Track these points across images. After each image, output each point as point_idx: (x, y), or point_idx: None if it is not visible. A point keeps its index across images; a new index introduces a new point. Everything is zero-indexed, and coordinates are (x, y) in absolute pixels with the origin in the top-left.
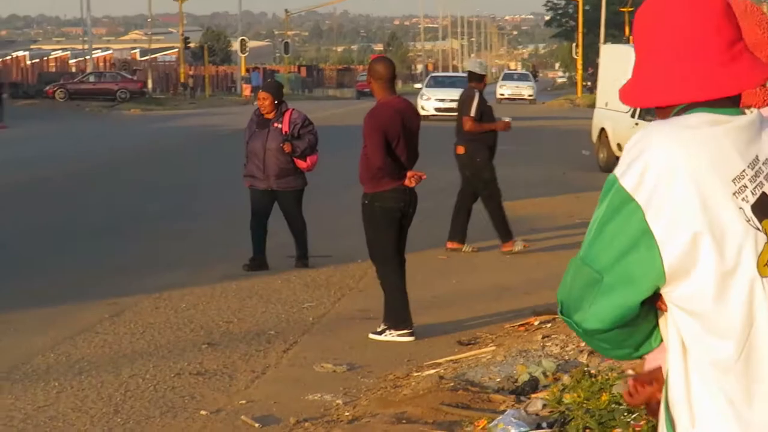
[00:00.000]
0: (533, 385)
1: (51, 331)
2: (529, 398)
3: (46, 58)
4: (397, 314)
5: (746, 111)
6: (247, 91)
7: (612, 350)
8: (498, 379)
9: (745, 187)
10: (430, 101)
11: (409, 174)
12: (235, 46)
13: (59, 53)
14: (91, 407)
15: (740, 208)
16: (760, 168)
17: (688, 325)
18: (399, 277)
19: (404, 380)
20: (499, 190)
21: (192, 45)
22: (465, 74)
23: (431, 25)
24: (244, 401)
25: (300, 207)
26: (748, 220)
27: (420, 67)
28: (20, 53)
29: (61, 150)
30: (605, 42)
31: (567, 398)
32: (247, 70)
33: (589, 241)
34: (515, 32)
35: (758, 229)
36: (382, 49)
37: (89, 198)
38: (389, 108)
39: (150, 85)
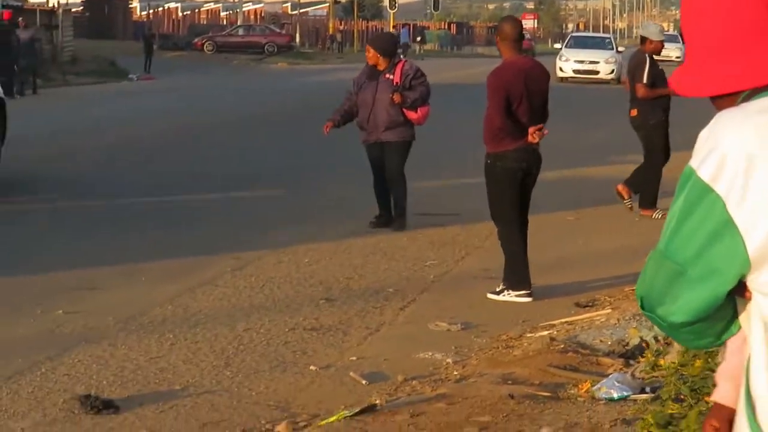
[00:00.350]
0: (643, 349)
1: (173, 283)
2: (638, 362)
3: (197, 10)
4: (516, 275)
5: None
6: None
7: (695, 340)
8: (609, 342)
9: None
10: (569, 63)
11: (531, 130)
12: (386, 1)
13: (211, 5)
14: (203, 360)
15: None
16: None
17: None
18: (519, 237)
19: (517, 341)
20: (663, 157)
21: (342, 0)
22: (607, 35)
23: None
24: (354, 357)
25: (403, 161)
26: None
27: (571, 26)
28: (172, 4)
29: (204, 102)
30: None
31: (662, 363)
32: (395, 27)
33: (670, 235)
34: None
35: None
36: (533, 7)
37: (229, 150)
38: (513, 68)
39: (298, 39)
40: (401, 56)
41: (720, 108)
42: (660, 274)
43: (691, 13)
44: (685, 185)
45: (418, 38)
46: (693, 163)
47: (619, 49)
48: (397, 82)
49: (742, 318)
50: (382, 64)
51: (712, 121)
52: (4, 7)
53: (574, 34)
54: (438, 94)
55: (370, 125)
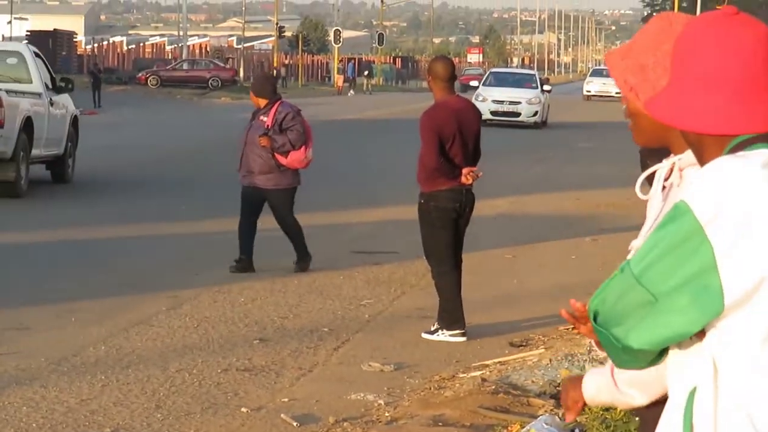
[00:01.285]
0: None
1: (107, 323)
2: None
3: (143, 44)
4: (450, 315)
5: None
6: (340, 81)
7: (631, 363)
8: (541, 383)
9: None
10: (486, 103)
11: (464, 171)
12: (331, 35)
13: (156, 39)
14: (134, 401)
15: None
16: None
17: (730, 356)
18: (453, 277)
19: (449, 381)
20: None
21: (287, 34)
22: (531, 71)
23: (529, 19)
24: (286, 399)
25: (289, 207)
26: None
27: (516, 60)
28: (117, 38)
29: (146, 138)
30: None
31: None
32: (341, 61)
33: (648, 262)
34: (613, 27)
35: None
36: (479, 41)
37: (166, 186)
38: (446, 108)
39: (242, 73)
40: (279, 96)
41: (697, 145)
42: (628, 296)
43: (692, 48)
44: (677, 219)
45: (365, 72)
46: (689, 198)
47: (545, 87)
48: (268, 125)
49: (686, 354)
50: (261, 105)
51: (715, 165)
52: None
53: (494, 70)
54: (380, 128)
55: (243, 168)
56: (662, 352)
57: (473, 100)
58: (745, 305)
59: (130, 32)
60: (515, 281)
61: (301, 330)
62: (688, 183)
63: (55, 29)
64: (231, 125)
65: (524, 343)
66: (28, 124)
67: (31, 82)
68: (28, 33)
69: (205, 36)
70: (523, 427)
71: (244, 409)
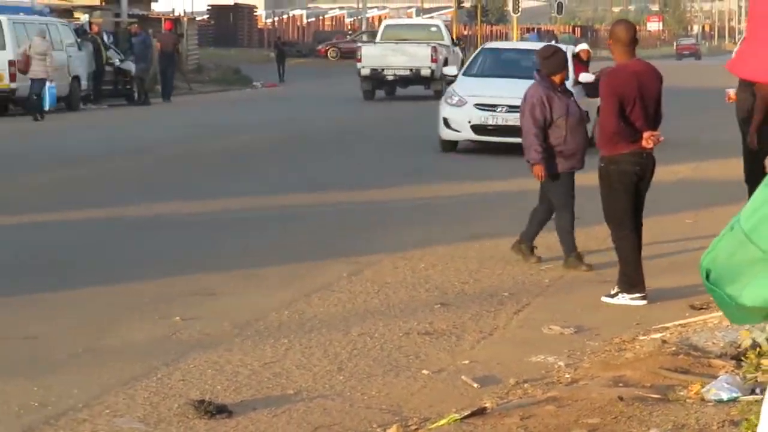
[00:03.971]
0: (757, 351)
1: (290, 288)
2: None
3: (322, 17)
4: (630, 278)
5: None
6: None
7: (748, 318)
8: (721, 344)
9: None
10: (464, 110)
11: (645, 135)
12: (510, 5)
13: (336, 12)
14: (316, 364)
15: None
16: None
17: None
18: (633, 241)
19: (629, 344)
20: None
21: (466, 5)
22: (529, 46)
23: None
24: (467, 361)
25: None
26: None
27: (696, 28)
28: (297, 12)
29: (324, 109)
30: None
31: (765, 363)
32: (526, 30)
33: (759, 219)
34: None
35: None
36: (658, 9)
37: (348, 152)
38: (626, 71)
39: None
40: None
41: None
42: (740, 254)
43: None
44: None
45: (553, 41)
46: None
47: (583, 77)
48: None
49: None
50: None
51: None
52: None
53: (489, 45)
54: None
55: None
56: None
57: (443, 101)
58: None
59: (309, 5)
60: (697, 245)
61: (481, 294)
62: None
63: (235, 3)
64: (410, 95)
65: (705, 306)
66: None
67: None
68: (209, 7)
69: (384, 8)
70: (704, 387)
71: (425, 371)
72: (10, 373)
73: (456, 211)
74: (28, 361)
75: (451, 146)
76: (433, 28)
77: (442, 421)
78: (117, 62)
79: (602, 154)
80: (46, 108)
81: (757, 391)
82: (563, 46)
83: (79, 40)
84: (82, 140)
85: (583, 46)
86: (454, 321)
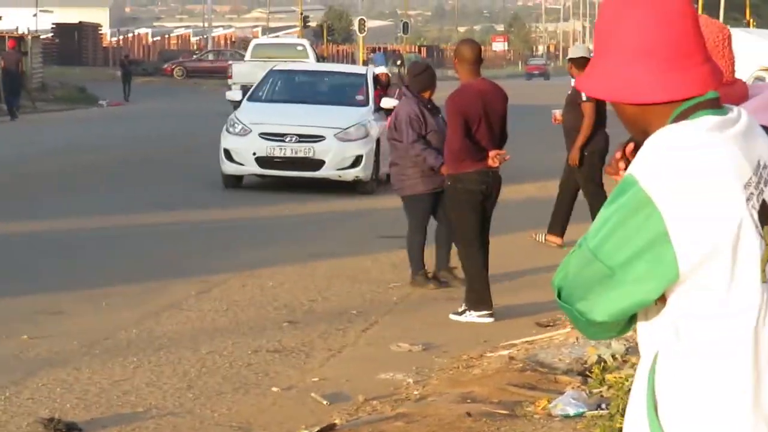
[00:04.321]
0: (603, 367)
1: (138, 307)
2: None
3: (168, 36)
4: (478, 296)
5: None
6: None
7: (601, 334)
8: (567, 361)
9: (752, 194)
10: (247, 140)
11: (491, 154)
12: (356, 25)
13: (182, 31)
14: (166, 382)
15: (751, 215)
16: (761, 174)
17: (688, 320)
18: (480, 259)
19: (477, 360)
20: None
21: (312, 24)
22: (359, 68)
23: (554, 6)
24: (317, 379)
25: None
26: (756, 227)
27: (541, 48)
28: (143, 30)
29: (172, 126)
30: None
31: (610, 378)
32: (372, 50)
33: (602, 237)
34: None
35: (761, 235)
36: (504, 29)
37: (195, 172)
38: (471, 91)
39: None
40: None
41: (640, 120)
42: (587, 272)
43: (613, 24)
44: (625, 192)
45: (398, 62)
46: (636, 170)
47: (387, 102)
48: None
49: (649, 323)
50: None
51: (661, 134)
52: None
53: (277, 67)
54: None
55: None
56: (631, 320)
57: (224, 131)
58: (698, 271)
59: (155, 24)
60: (542, 262)
61: (330, 312)
62: (638, 155)
63: (80, 21)
64: None
65: (551, 323)
66: None
67: None
68: (54, 26)
69: (230, 27)
70: (551, 403)
71: (275, 389)
72: None
73: (294, 232)
74: None
75: (234, 181)
76: (300, 47)
77: None
78: None
79: (449, 172)
80: None
81: (603, 405)
82: (367, 68)
83: None
84: None
85: (382, 69)
86: (303, 339)
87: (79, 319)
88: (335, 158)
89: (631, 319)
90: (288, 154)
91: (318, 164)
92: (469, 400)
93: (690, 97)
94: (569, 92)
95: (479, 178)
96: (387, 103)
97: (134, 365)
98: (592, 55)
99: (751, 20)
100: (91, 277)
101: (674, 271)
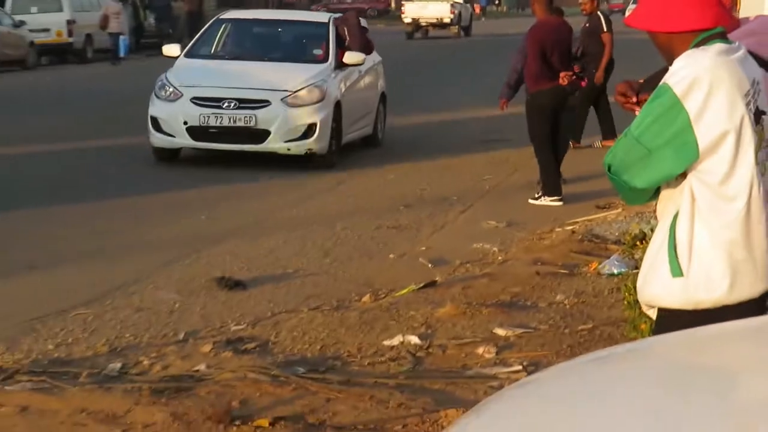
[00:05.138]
0: (642, 238)
1: (291, 194)
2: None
3: None
4: (550, 184)
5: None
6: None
7: (638, 199)
8: (617, 234)
9: (750, 101)
10: (178, 105)
11: (561, 74)
12: None
13: None
14: (309, 252)
15: (748, 115)
16: (756, 87)
17: (702, 190)
18: (551, 156)
19: (547, 234)
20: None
21: None
22: (321, 15)
23: None
24: (424, 248)
25: None
26: (752, 124)
27: None
28: None
29: None
30: None
31: (639, 245)
32: None
33: (644, 127)
34: None
35: (754, 131)
36: None
37: None
38: (546, 26)
39: (393, 4)
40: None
41: (667, 46)
42: (631, 152)
43: None
44: (663, 95)
45: (496, 1)
46: (669, 80)
47: (350, 57)
48: None
49: (672, 191)
50: None
51: (687, 55)
52: None
53: (226, 14)
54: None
55: None
56: (655, 192)
57: (152, 96)
58: (712, 153)
59: None
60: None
61: (435, 198)
62: (670, 71)
63: None
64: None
65: (607, 206)
66: None
67: None
68: None
69: None
70: (600, 264)
71: (391, 255)
72: (84, 258)
73: (407, 135)
74: (97, 251)
75: (168, 155)
76: None
77: (404, 291)
78: (151, 21)
79: (530, 90)
80: (121, 55)
81: (638, 266)
82: (330, 16)
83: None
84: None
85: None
86: (414, 218)
87: (249, 202)
88: (282, 127)
89: (657, 191)
90: (225, 123)
91: (262, 135)
92: (539, 263)
93: (705, 29)
94: (587, 24)
95: (552, 93)
96: (351, 58)
97: (283, 240)
98: None
99: None
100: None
101: (695, 152)
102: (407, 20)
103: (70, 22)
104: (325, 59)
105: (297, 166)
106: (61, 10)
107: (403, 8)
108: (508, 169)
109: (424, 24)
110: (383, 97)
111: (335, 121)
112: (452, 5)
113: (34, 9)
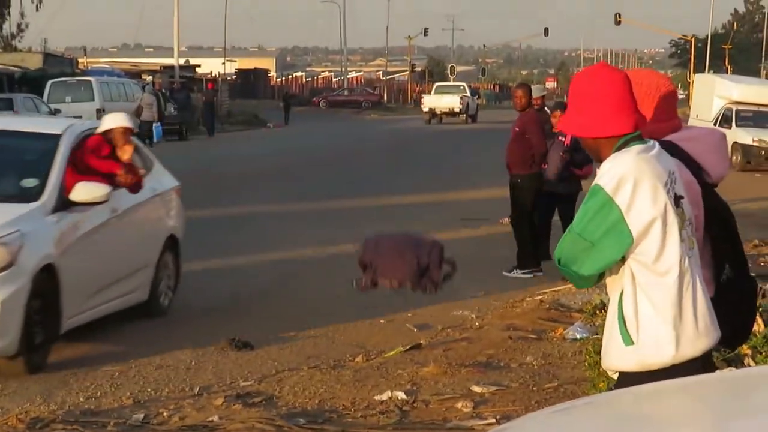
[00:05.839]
0: (602, 307)
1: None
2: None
3: (316, 77)
4: (524, 259)
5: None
6: None
7: (586, 283)
8: (579, 303)
9: (669, 188)
10: None
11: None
12: (449, 69)
13: (326, 74)
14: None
15: (669, 201)
16: (672, 177)
17: (639, 269)
18: (529, 232)
19: (519, 303)
20: None
21: (418, 69)
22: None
23: (589, 56)
24: (410, 314)
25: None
26: (673, 208)
27: None
28: (298, 73)
29: (319, 140)
30: (709, 71)
31: (599, 314)
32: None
33: (584, 224)
34: (651, 61)
35: (676, 214)
36: (554, 72)
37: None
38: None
39: (385, 97)
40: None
41: (595, 148)
42: (576, 246)
43: (586, 88)
44: (596, 194)
45: (476, 96)
46: (600, 181)
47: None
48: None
49: (616, 274)
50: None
51: (614, 157)
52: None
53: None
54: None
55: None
56: (600, 276)
57: None
58: (644, 237)
59: (307, 69)
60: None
61: None
62: (599, 172)
63: (255, 67)
64: (379, 133)
65: None
66: None
67: None
68: (237, 71)
69: (360, 71)
70: (565, 330)
71: (382, 320)
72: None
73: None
74: (125, 318)
75: None
76: (461, 87)
77: (392, 352)
78: (172, 110)
79: (520, 172)
80: (155, 140)
81: (598, 332)
82: (67, 126)
83: (145, 93)
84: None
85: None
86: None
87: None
88: None
89: (601, 275)
90: None
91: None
92: (511, 329)
93: (625, 134)
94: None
95: (540, 176)
96: (84, 192)
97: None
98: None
99: (729, 67)
100: None
101: (630, 239)
102: (425, 109)
103: (99, 111)
104: (37, 194)
105: None
106: (92, 99)
107: (422, 100)
108: (485, 244)
109: (438, 112)
110: (172, 243)
111: (40, 297)
112: (461, 97)
113: (68, 98)
